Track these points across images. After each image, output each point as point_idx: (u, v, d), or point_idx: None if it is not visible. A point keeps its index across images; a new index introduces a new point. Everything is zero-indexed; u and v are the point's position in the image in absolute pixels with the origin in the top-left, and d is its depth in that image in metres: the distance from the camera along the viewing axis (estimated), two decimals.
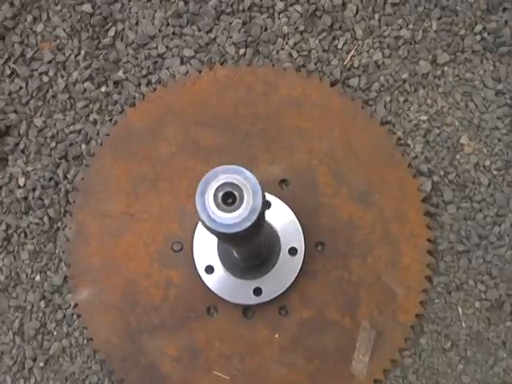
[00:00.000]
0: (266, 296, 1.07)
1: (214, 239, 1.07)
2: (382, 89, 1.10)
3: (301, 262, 1.07)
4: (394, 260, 1.10)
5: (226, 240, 0.52)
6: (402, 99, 1.10)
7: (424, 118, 1.10)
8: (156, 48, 1.12)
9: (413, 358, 1.12)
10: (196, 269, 1.08)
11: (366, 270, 1.09)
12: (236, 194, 0.44)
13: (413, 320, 1.10)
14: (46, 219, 1.13)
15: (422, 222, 1.09)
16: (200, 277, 1.08)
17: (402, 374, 1.12)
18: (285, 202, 1.08)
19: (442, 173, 1.10)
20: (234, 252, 1.02)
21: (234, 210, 0.44)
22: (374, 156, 1.09)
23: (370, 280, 1.09)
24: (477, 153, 1.10)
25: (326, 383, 1.10)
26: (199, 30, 1.12)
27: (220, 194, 0.45)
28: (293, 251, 1.07)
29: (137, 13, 1.14)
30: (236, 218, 0.45)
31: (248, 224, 0.44)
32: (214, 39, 1.12)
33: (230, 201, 0.44)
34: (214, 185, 0.45)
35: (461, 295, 1.11)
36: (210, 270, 1.07)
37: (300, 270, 1.07)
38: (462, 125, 1.10)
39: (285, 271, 1.07)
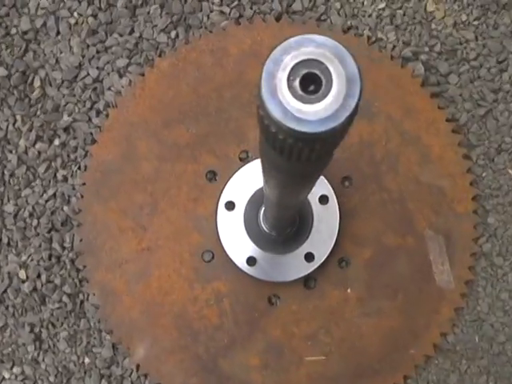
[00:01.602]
0: (319, 258, 0.98)
1: (242, 231, 0.97)
2: None
3: (337, 206, 0.98)
4: (424, 156, 1.01)
5: (299, 157, 0.36)
6: None
7: (382, 5, 1.02)
8: (88, 74, 1.03)
9: (490, 241, 1.02)
10: (238, 268, 0.98)
11: (403, 180, 1.00)
12: (321, 76, 0.31)
13: (471, 204, 1.01)
14: (65, 299, 1.02)
15: (432, 106, 1.01)
16: (246, 273, 0.98)
17: (487, 262, 1.02)
18: None
19: (426, 49, 1.02)
20: (268, 225, 0.92)
21: (320, 99, 0.31)
22: None
23: (411, 188, 1.00)
24: (449, 13, 1.03)
25: (420, 311, 1.01)
26: (121, 36, 1.03)
27: (297, 80, 0.31)
28: (324, 199, 0.98)
29: (52, 51, 1.04)
30: (327, 110, 0.31)
31: (346, 115, 0.30)
32: (140, 36, 1.03)
33: (312, 88, 0.31)
34: (287, 67, 0.31)
35: (504, 157, 1.02)
36: (251, 261, 0.97)
37: (339, 215, 0.98)
38: None
39: (325, 223, 0.98)
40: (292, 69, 0.31)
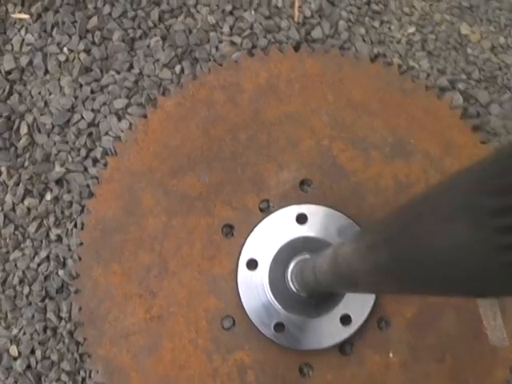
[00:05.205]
0: (357, 320, 0.85)
1: (267, 293, 0.85)
2: (351, 24, 0.90)
3: None
4: None
5: None
6: (377, 24, 0.90)
7: (411, 29, 0.91)
8: (82, 118, 0.90)
9: None
10: (264, 335, 0.85)
11: None
12: None
13: None
14: (64, 377, 0.88)
15: (474, 141, 0.90)
16: (273, 341, 0.85)
17: None
18: (318, 204, 0.87)
19: (463, 77, 0.91)
20: (301, 287, 0.80)
21: None
22: (385, 99, 0.89)
23: None
24: (485, 35, 0.92)
25: (472, 373, 0.89)
26: (119, 73, 0.91)
27: None
28: None
29: (40, 93, 0.92)
30: None
31: None
32: (141, 73, 0.91)
33: None
34: None
35: None
36: (279, 327, 0.85)
37: None
38: (453, 15, 0.92)
39: None
40: None
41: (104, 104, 0.91)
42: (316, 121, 0.89)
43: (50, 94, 0.92)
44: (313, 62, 0.90)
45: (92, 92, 0.91)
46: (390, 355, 0.88)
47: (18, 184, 0.90)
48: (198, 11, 0.92)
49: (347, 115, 0.89)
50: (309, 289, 0.78)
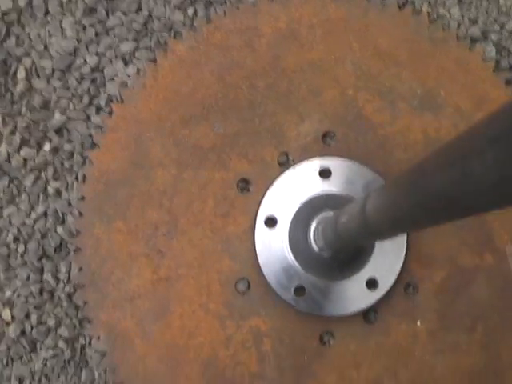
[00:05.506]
0: (384, 284, 0.79)
1: (286, 253, 0.78)
2: None
3: None
4: None
5: None
6: None
7: None
8: (86, 62, 0.83)
9: None
10: (282, 300, 0.78)
11: None
12: None
13: None
14: (61, 344, 0.81)
15: (508, 96, 0.84)
16: (292, 306, 0.78)
17: None
18: (340, 157, 0.80)
19: (497, 27, 0.85)
20: (327, 244, 0.73)
21: None
22: (414, 49, 0.83)
23: None
24: None
25: (504, 344, 0.83)
26: (126, 14, 0.84)
27: None
28: None
29: (39, 35, 0.84)
30: None
31: None
32: (150, 15, 0.84)
33: None
34: None
35: None
36: (299, 291, 0.78)
37: None
38: None
39: (391, 240, 0.79)
40: None
41: (109, 47, 0.84)
42: (340, 69, 0.82)
43: (51, 37, 0.84)
44: (336, 7, 0.84)
45: (96, 34, 0.84)
46: (418, 323, 0.81)
47: (14, 133, 0.83)
48: None
49: (373, 64, 0.83)
50: (337, 245, 0.72)
